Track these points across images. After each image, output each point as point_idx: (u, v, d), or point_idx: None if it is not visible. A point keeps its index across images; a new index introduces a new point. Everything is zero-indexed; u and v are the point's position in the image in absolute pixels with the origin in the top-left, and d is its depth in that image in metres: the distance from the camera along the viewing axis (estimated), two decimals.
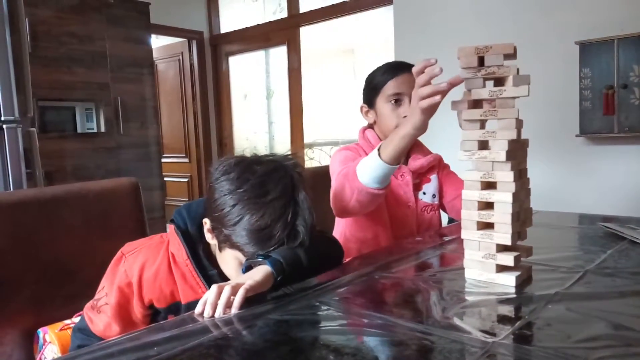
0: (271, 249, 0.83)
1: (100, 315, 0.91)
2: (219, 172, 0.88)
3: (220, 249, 0.90)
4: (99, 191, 1.19)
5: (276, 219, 0.83)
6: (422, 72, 0.90)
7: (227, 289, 0.75)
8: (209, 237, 0.91)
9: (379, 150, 1.05)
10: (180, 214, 0.96)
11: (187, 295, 0.90)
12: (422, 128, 0.98)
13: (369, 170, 1.06)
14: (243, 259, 0.86)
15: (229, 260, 0.89)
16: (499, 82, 0.83)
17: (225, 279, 0.91)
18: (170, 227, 0.95)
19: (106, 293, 0.91)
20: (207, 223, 0.90)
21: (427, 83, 0.90)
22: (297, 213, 0.85)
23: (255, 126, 4.64)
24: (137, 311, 0.90)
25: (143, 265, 0.90)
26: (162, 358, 0.60)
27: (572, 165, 2.60)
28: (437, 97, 0.89)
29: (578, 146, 2.56)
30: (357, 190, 1.08)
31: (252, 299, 0.76)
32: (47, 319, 1.04)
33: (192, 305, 0.85)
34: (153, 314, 0.92)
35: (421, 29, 3.09)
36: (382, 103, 1.33)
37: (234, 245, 0.85)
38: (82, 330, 0.93)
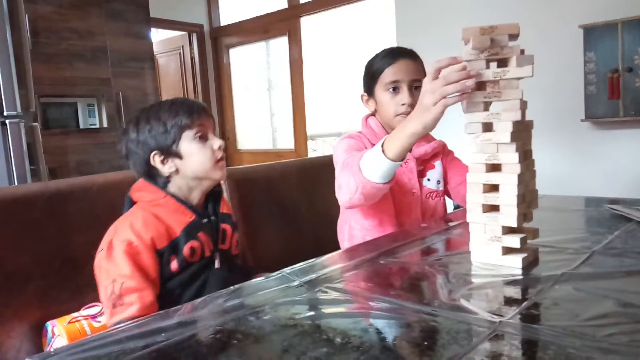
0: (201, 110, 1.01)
1: (127, 297, 0.90)
2: (130, 127, 1.02)
3: (182, 160, 1.00)
4: (103, 184, 1.19)
5: (183, 97, 1.07)
6: (439, 71, 0.86)
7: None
8: (166, 168, 1.01)
9: (382, 145, 1.01)
10: (128, 198, 1.04)
11: (180, 223, 0.99)
12: (432, 127, 0.93)
13: (373, 166, 1.04)
14: (211, 143, 1.01)
15: (200, 156, 1.00)
16: (502, 63, 0.82)
17: (205, 208, 1.07)
18: (136, 191, 1.03)
19: (113, 279, 0.91)
20: (155, 159, 1.00)
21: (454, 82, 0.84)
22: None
23: (258, 118, 4.63)
24: (149, 263, 0.95)
25: (131, 224, 0.96)
26: (170, 344, 0.60)
27: (577, 150, 2.58)
28: (453, 100, 0.85)
29: (583, 131, 2.55)
30: (362, 185, 1.06)
31: (260, 286, 0.76)
32: (55, 312, 1.04)
33: (189, 231, 0.98)
34: (162, 267, 0.97)
35: (423, 17, 3.07)
36: (381, 91, 1.31)
37: (191, 139, 0.99)
38: None
